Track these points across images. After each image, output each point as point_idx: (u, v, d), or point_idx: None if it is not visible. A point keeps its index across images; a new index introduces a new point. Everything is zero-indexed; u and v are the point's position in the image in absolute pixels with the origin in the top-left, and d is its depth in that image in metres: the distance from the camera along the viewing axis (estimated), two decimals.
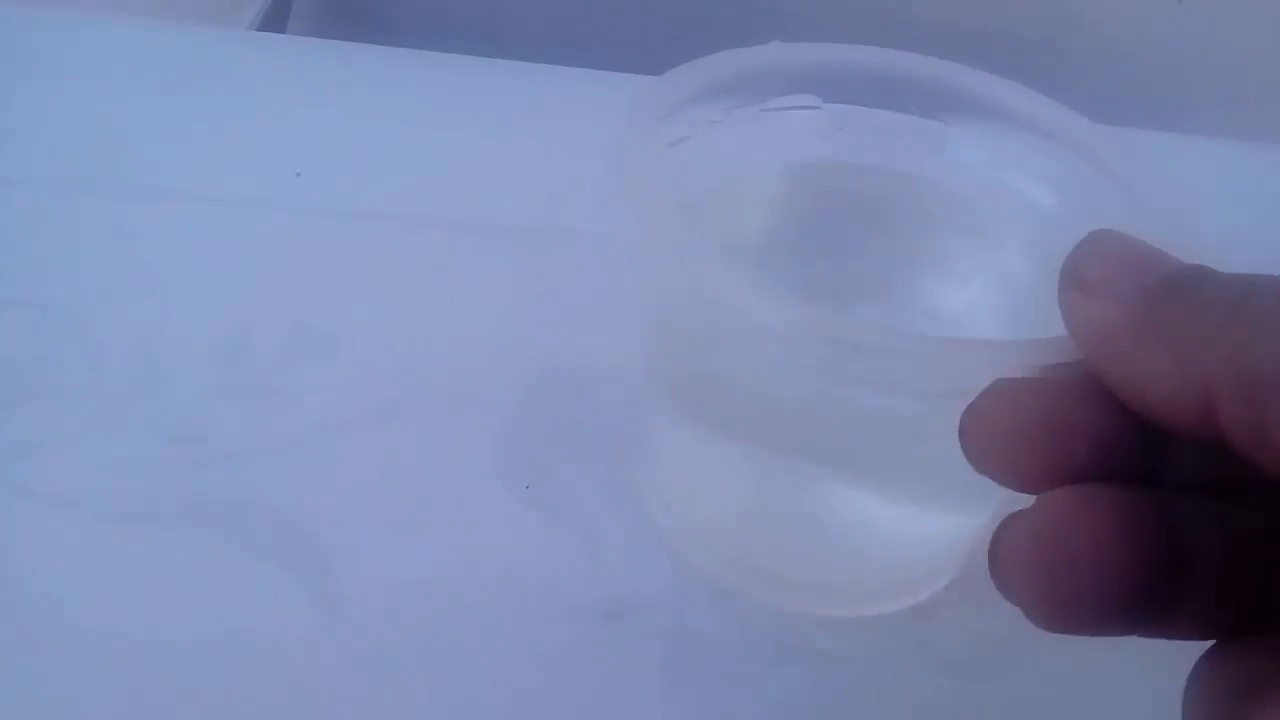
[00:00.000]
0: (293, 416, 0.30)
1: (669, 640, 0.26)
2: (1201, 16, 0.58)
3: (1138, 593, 0.15)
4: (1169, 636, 0.16)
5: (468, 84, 0.44)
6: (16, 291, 0.33)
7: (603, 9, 0.61)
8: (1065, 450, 0.16)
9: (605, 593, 0.27)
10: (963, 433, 0.17)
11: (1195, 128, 0.54)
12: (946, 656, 0.26)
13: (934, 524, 0.25)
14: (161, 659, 0.25)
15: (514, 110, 0.42)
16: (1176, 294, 0.15)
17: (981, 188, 0.25)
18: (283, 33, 0.59)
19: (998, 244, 0.26)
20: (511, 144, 0.40)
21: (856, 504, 0.25)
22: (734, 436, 0.25)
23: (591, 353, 0.32)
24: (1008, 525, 0.17)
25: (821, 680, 0.26)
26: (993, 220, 0.25)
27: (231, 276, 0.34)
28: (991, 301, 0.27)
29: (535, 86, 0.44)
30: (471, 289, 0.34)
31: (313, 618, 0.26)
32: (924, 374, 0.19)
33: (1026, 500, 0.17)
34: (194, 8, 0.55)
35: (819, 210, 0.28)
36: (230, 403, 0.30)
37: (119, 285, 0.33)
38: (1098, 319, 0.16)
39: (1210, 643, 0.17)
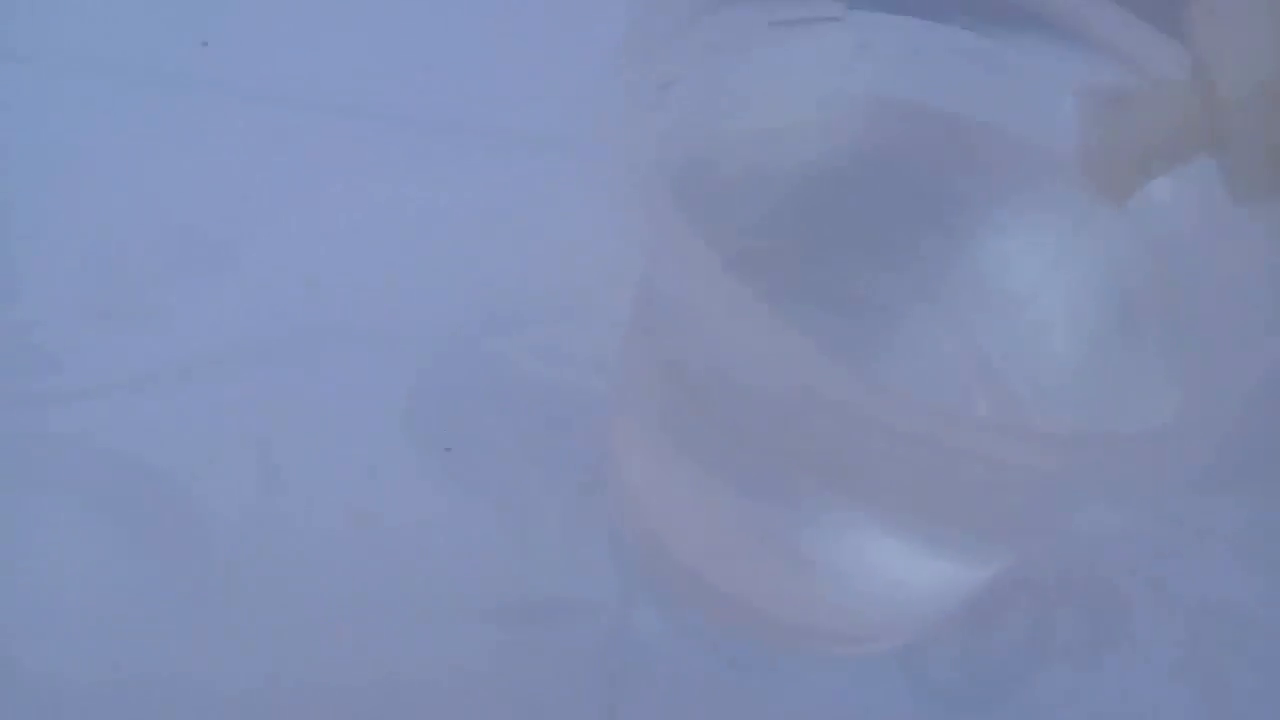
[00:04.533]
0: (166, 344, 0.25)
1: (608, 651, 0.22)
2: None
3: None
4: None
5: None
6: None
7: None
8: None
9: (536, 591, 0.22)
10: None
11: None
12: (938, 686, 0.22)
13: (938, 572, 0.21)
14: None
15: None
16: None
17: (1053, 130, 0.20)
18: None
19: (1077, 207, 0.21)
20: (475, 22, 0.34)
21: (855, 538, 0.20)
22: (720, 440, 0.20)
23: (549, 290, 0.27)
24: None
25: (788, 702, 0.21)
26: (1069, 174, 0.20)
27: (108, 163, 0.28)
28: (1085, 285, 0.21)
29: None
30: (403, 200, 0.28)
31: (174, 599, 0.21)
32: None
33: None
34: None
35: (847, 174, 0.22)
36: (92, 324, 0.25)
37: None
38: None
39: None
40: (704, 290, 0.16)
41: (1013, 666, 0.22)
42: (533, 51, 0.32)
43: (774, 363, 0.16)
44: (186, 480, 0.23)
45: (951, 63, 0.21)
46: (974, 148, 0.21)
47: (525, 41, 0.32)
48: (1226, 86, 0.16)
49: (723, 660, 0.22)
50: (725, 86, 0.21)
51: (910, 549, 0.20)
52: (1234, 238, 0.18)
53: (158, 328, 0.25)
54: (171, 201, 0.27)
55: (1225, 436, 0.15)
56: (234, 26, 0.32)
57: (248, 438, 0.23)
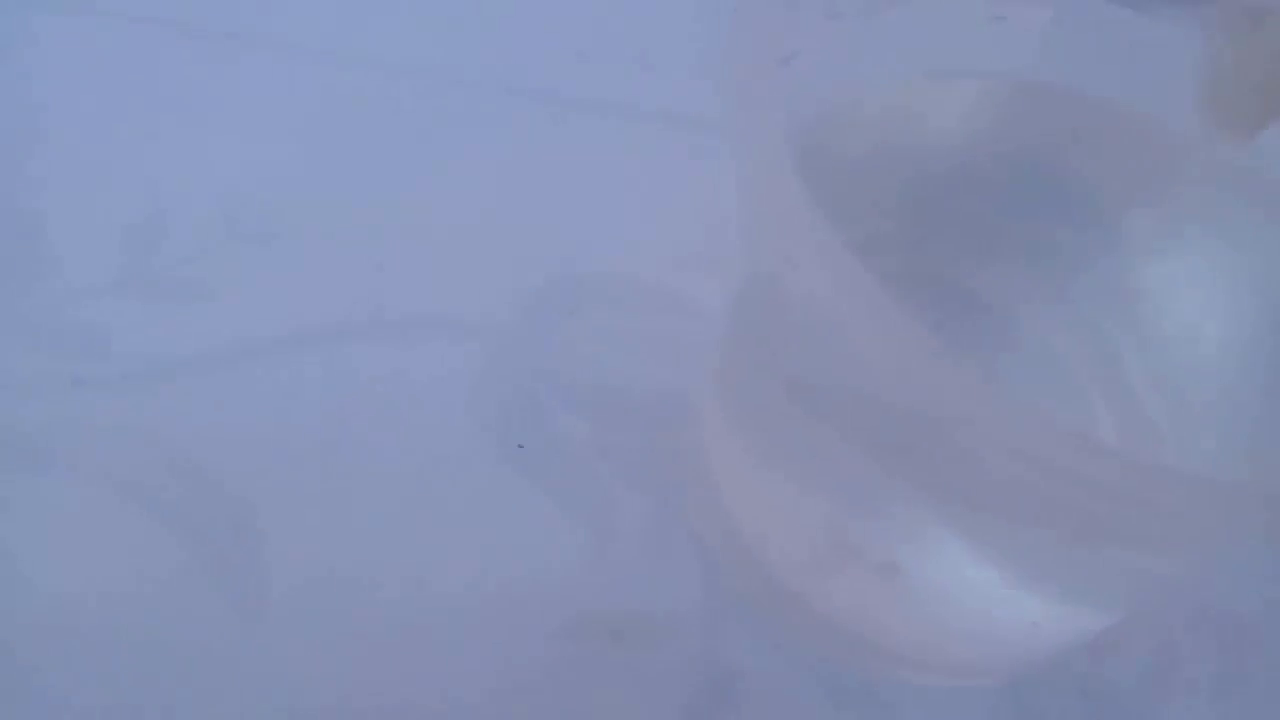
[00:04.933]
0: (217, 325, 0.23)
1: (691, 673, 0.20)
2: None
3: None
4: None
5: None
6: None
7: None
8: None
9: (615, 603, 0.21)
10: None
11: None
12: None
13: (1056, 611, 0.19)
14: (36, 643, 0.19)
15: None
16: None
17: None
18: None
19: (1234, 211, 0.19)
20: None
21: (964, 562, 0.18)
22: (820, 448, 0.18)
23: (628, 262, 0.25)
24: None
25: None
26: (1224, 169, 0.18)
27: (155, 124, 0.26)
28: (1238, 298, 0.19)
29: None
30: (476, 167, 0.26)
31: (223, 614, 0.20)
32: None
33: None
34: None
35: (972, 157, 0.20)
36: (137, 301, 0.23)
37: None
38: None
39: None
40: (831, 278, 0.14)
41: (1133, 703, 0.20)
42: (621, 13, 0.29)
43: (894, 361, 0.14)
44: (238, 472, 0.21)
45: (1097, 40, 0.18)
46: (1119, 136, 0.19)
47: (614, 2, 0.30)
48: None
49: (818, 687, 0.20)
50: (842, 59, 0.18)
51: (1028, 588, 0.18)
52: None
53: (208, 307, 0.23)
54: (219, 167, 0.25)
55: None
56: None
57: (304, 428, 0.22)
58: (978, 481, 0.17)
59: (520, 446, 0.22)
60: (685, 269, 0.24)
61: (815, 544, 0.20)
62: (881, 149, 0.20)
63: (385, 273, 0.24)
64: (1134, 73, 0.19)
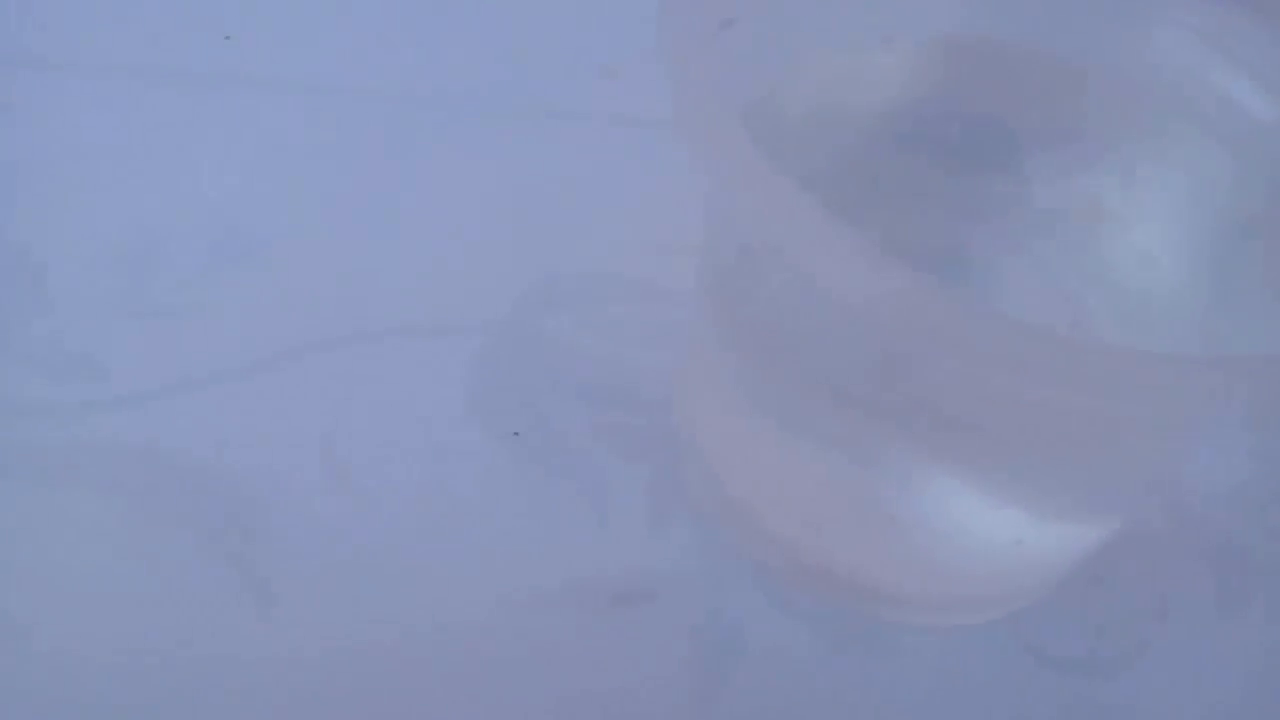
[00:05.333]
0: (210, 345, 0.24)
1: (699, 633, 0.20)
2: None
3: None
4: None
5: None
6: None
7: None
8: None
9: (617, 569, 0.21)
10: None
11: None
12: (1058, 655, 0.21)
13: (1046, 532, 0.19)
14: (52, 660, 0.19)
15: None
16: None
17: (1180, 84, 0.19)
18: None
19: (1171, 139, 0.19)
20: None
21: (952, 495, 0.18)
22: (798, 396, 0.19)
23: (604, 258, 0.25)
24: None
25: (897, 680, 0.20)
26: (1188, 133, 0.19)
27: (138, 164, 0.27)
28: (1180, 217, 0.20)
29: None
30: (446, 181, 0.27)
31: (238, 605, 0.20)
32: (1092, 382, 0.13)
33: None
34: None
35: (917, 116, 0.21)
36: (133, 326, 0.24)
37: None
38: None
39: None
40: (780, 212, 0.14)
41: (1135, 630, 0.21)
42: (568, 24, 0.30)
43: (861, 275, 0.14)
44: (245, 483, 0.22)
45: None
46: (1058, 88, 0.20)
47: (559, 16, 0.31)
48: None
49: (819, 637, 0.20)
50: (789, 23, 0.19)
51: (1015, 506, 0.19)
52: None
53: (200, 329, 0.24)
54: (205, 198, 0.26)
55: None
56: (256, 18, 0.31)
57: (307, 437, 0.22)
58: (964, 406, 0.17)
59: (516, 434, 0.23)
60: (663, 256, 0.25)
61: (806, 498, 0.21)
62: (825, 111, 0.21)
63: (366, 284, 0.25)
64: (1073, 25, 0.20)
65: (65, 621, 0.20)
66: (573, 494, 0.22)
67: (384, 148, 0.28)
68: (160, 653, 0.19)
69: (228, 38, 0.30)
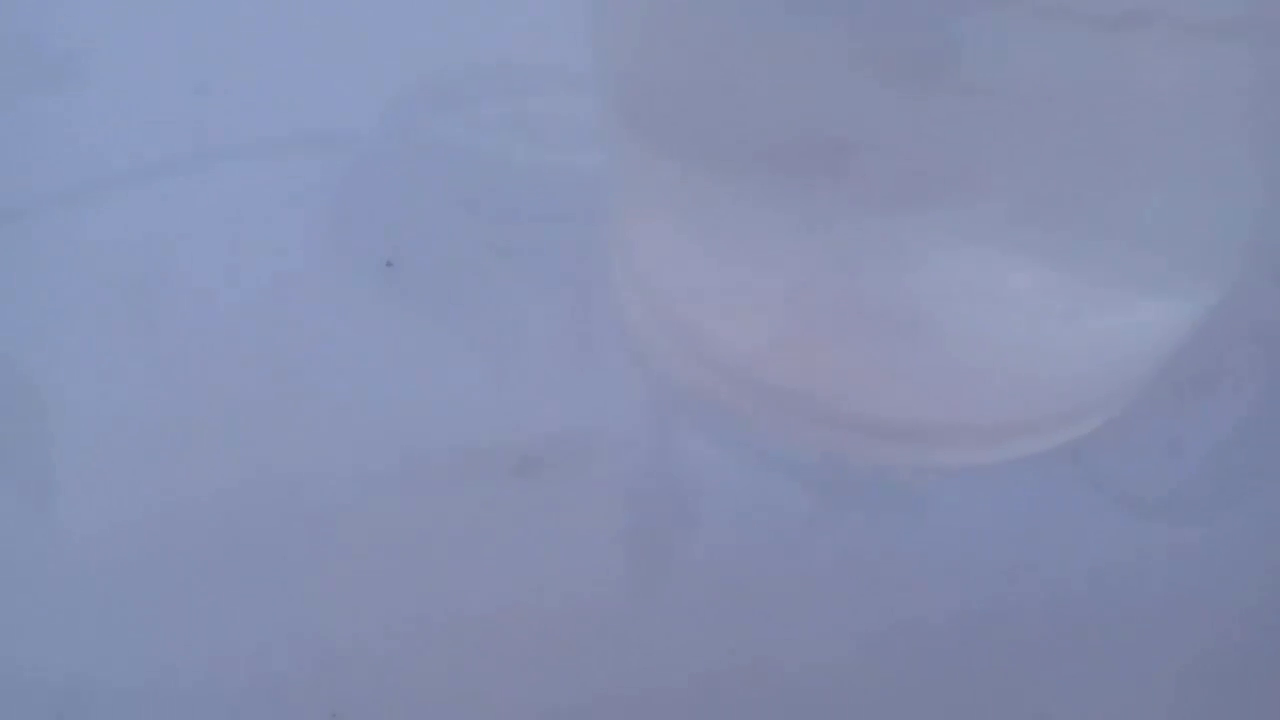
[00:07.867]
0: (22, 176, 0.18)
1: (637, 500, 0.15)
2: None
3: None
4: None
5: None
6: None
7: None
8: None
9: (525, 427, 0.16)
10: None
11: None
12: (1127, 493, 0.15)
13: (1093, 325, 0.13)
14: None
15: None
16: None
17: None
18: None
19: None
20: None
21: (1000, 283, 0.13)
22: (768, 175, 0.13)
23: (498, 45, 0.20)
24: None
25: (914, 542, 0.15)
26: None
27: None
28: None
29: None
30: None
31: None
32: None
33: None
34: None
35: None
36: None
37: None
38: None
39: None
40: None
41: (1206, 463, 0.15)
42: None
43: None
44: (53, 329, 0.17)
45: None
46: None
47: None
48: None
49: (803, 487, 0.15)
50: None
51: (1051, 288, 0.13)
52: None
53: (23, 149, 0.19)
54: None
55: None
56: None
57: (139, 275, 0.17)
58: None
59: (389, 264, 0.17)
60: (572, 36, 0.19)
61: (777, 315, 0.15)
62: None
63: (209, 97, 0.19)
64: None
65: None
66: (464, 334, 0.16)
67: None
68: None
69: None
